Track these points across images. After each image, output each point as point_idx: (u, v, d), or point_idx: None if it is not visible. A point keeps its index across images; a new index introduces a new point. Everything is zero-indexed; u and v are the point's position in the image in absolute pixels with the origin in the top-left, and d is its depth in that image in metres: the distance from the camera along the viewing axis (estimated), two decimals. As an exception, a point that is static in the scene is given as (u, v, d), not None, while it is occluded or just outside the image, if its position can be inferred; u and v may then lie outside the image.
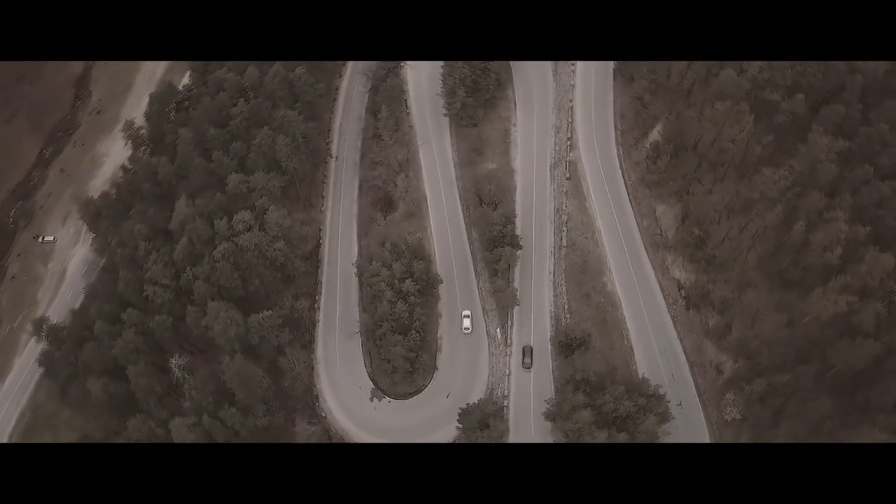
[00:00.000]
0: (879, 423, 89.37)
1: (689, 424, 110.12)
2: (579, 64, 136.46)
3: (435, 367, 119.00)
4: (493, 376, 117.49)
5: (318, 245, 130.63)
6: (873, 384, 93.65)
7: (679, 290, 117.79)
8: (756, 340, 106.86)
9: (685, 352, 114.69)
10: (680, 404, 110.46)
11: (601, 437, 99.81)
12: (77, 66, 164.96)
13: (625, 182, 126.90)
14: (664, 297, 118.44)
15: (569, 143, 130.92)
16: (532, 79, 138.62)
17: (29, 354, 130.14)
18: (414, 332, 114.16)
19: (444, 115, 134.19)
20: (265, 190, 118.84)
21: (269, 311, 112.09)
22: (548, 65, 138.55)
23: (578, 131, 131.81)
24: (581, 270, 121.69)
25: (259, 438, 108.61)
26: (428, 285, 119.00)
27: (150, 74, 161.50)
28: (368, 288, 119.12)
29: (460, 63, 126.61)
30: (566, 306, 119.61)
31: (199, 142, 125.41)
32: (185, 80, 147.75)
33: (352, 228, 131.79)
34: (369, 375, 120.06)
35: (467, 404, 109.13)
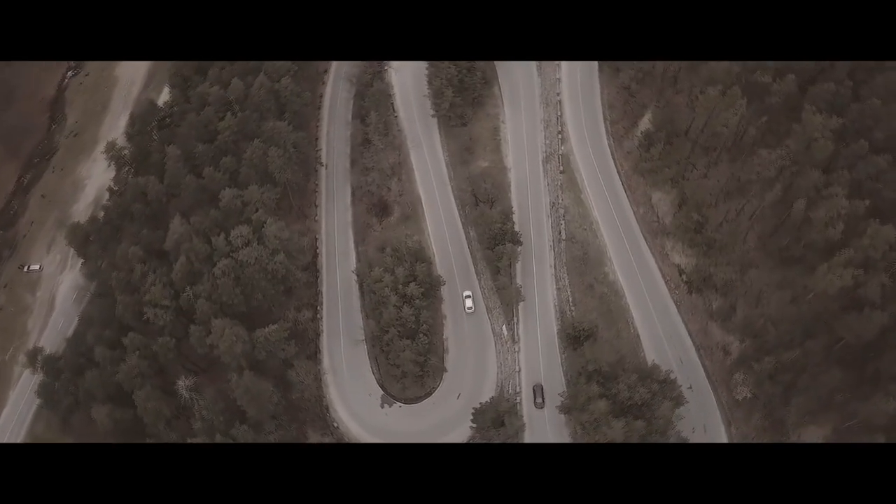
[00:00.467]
0: (892, 392, 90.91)
1: (701, 406, 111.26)
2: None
3: (444, 369, 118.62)
4: (501, 374, 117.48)
5: (316, 255, 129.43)
6: (882, 354, 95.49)
7: (680, 275, 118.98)
8: (761, 319, 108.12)
9: (691, 335, 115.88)
10: (690, 387, 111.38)
11: (618, 426, 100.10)
12: (49, 89, 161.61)
13: (618, 172, 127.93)
14: (666, 282, 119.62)
15: (559, 136, 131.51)
16: (517, 75, 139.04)
17: (23, 386, 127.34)
18: (421, 335, 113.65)
19: (433, 116, 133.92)
20: (260, 203, 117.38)
21: (275, 325, 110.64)
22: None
23: (568, 124, 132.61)
24: (582, 262, 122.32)
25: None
26: (431, 288, 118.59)
27: (126, 93, 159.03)
28: (372, 294, 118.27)
29: (446, 63, 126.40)
30: (570, 299, 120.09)
31: (188, 158, 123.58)
32: (165, 96, 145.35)
33: (348, 236, 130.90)
34: (378, 382, 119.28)
35: (480, 403, 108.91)
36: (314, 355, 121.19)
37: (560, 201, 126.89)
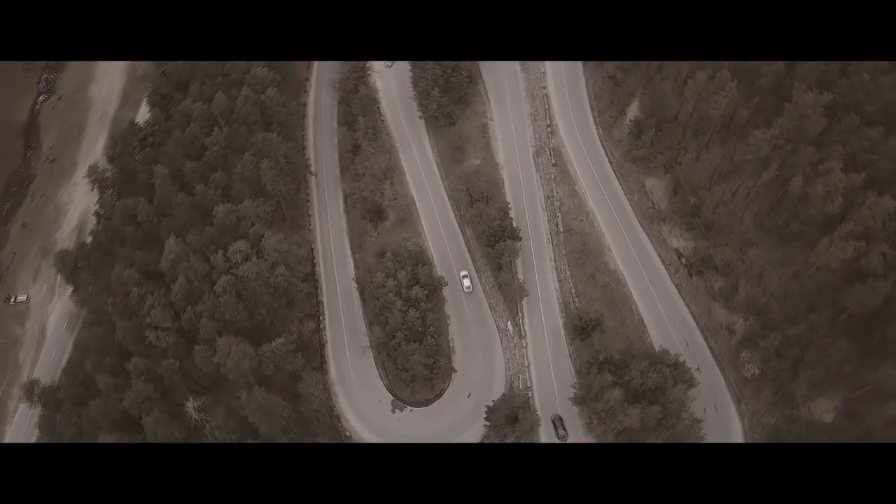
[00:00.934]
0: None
1: (710, 386, 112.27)
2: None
3: (453, 370, 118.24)
4: (510, 370, 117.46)
5: (314, 264, 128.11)
6: (888, 322, 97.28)
7: (679, 259, 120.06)
8: (764, 297, 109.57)
9: (694, 317, 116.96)
10: (698, 368, 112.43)
11: (634, 413, 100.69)
12: (21, 115, 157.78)
13: (609, 161, 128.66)
14: (665, 267, 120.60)
15: (549, 129, 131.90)
16: (501, 72, 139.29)
17: (20, 421, 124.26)
18: (429, 337, 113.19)
19: (420, 117, 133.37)
20: (255, 217, 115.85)
21: (282, 339, 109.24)
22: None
23: (556, 117, 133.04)
24: (581, 253, 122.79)
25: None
26: (434, 289, 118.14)
27: (102, 114, 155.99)
28: (375, 300, 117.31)
29: (431, 63, 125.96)
30: (573, 290, 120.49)
31: (176, 177, 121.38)
32: (144, 115, 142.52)
33: (344, 243, 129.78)
34: (387, 387, 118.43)
35: (493, 401, 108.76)
36: (320, 366, 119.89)
37: (554, 194, 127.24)
